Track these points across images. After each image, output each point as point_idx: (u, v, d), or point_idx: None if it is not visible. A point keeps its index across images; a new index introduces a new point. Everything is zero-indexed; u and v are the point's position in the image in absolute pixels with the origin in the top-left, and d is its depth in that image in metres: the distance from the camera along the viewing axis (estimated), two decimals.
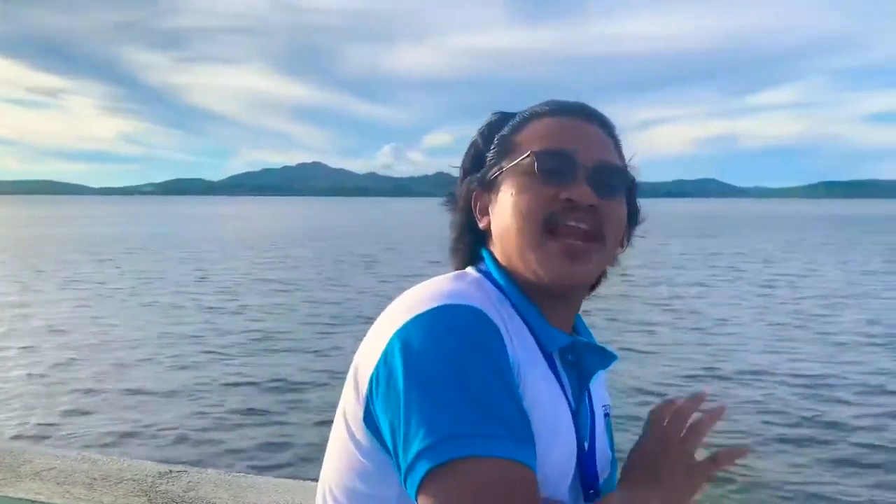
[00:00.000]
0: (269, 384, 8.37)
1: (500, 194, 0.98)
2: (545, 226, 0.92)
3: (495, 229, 0.99)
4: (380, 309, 0.95)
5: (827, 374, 8.98)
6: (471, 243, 1.05)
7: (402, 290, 0.95)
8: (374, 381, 0.85)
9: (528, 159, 0.95)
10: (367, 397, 0.86)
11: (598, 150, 0.97)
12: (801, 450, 6.38)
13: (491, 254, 1.01)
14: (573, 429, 0.93)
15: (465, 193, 1.04)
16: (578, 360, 0.99)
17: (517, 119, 1.03)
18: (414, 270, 20.65)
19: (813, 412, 7.46)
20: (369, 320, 0.95)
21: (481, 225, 1.02)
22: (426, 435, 0.76)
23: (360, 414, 0.88)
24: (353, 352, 0.94)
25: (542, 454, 0.83)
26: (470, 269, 1.01)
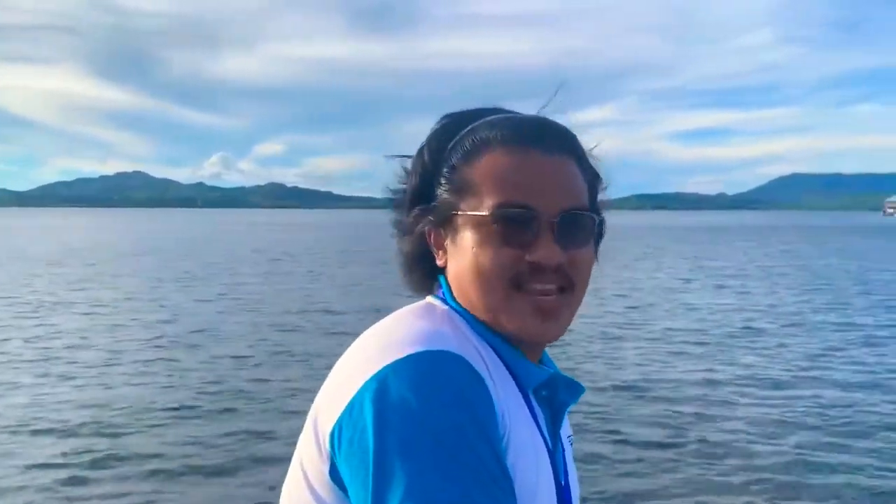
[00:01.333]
0: (58, 417, 7.32)
1: (459, 241, 0.92)
2: (511, 284, 0.87)
3: (454, 275, 0.93)
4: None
5: (644, 377, 9.37)
6: (426, 269, 0.99)
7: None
8: (337, 435, 0.78)
9: (487, 216, 0.88)
10: (330, 454, 0.80)
11: (563, 195, 0.89)
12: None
13: (447, 283, 0.95)
14: (551, 470, 0.89)
15: (417, 225, 0.96)
16: (551, 396, 0.95)
17: (467, 146, 0.93)
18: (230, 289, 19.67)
19: (633, 414, 7.69)
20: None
21: (439, 262, 0.96)
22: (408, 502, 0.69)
23: (325, 469, 0.81)
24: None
25: (525, 501, 0.79)
26: (432, 300, 0.95)
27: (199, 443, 6.74)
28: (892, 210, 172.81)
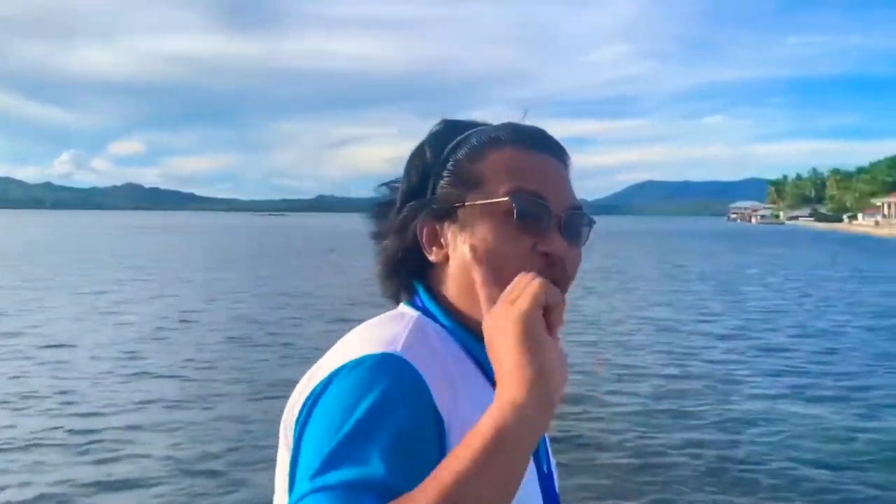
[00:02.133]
0: None
1: (465, 233, 0.91)
2: (519, 272, 0.84)
3: (456, 268, 0.92)
4: None
5: None
6: (408, 272, 0.97)
7: None
8: (293, 427, 0.81)
9: (505, 202, 0.89)
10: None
11: (567, 194, 0.94)
12: None
13: (426, 288, 0.96)
14: (532, 459, 0.86)
15: (413, 219, 0.95)
16: None
17: (474, 142, 0.95)
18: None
19: None
20: None
21: (432, 258, 0.94)
22: (301, 482, 0.71)
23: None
24: None
25: None
26: (404, 307, 0.96)
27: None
28: (735, 216, 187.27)
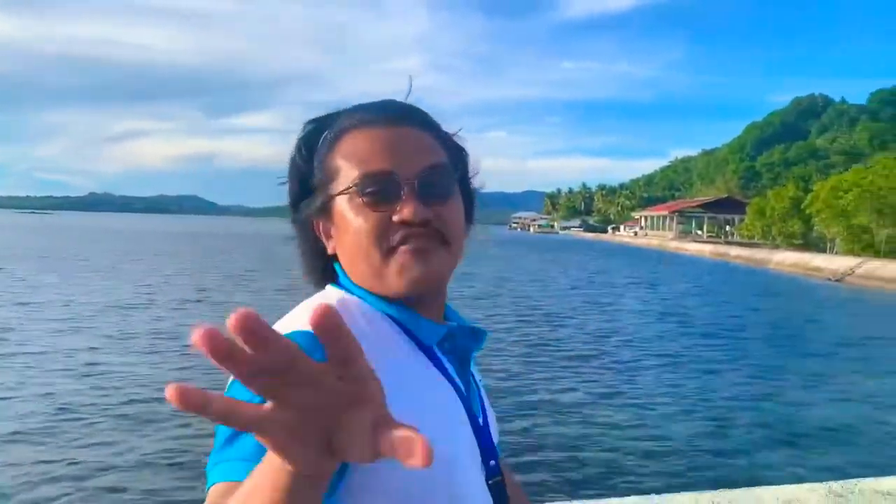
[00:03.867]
0: None
1: (337, 222, 1.00)
2: (386, 244, 0.94)
3: (342, 256, 1.01)
4: None
5: None
6: (324, 263, 1.06)
7: None
8: None
9: (354, 188, 0.95)
10: None
11: (418, 156, 0.97)
12: None
13: (343, 269, 1.03)
14: (463, 412, 0.97)
15: (305, 220, 1.04)
16: (455, 347, 1.03)
17: (329, 135, 1.02)
18: None
19: None
20: None
21: (329, 250, 1.04)
22: (214, 451, 0.81)
23: None
24: None
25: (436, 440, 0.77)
26: (329, 287, 1.04)
27: None
28: (515, 225, 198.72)
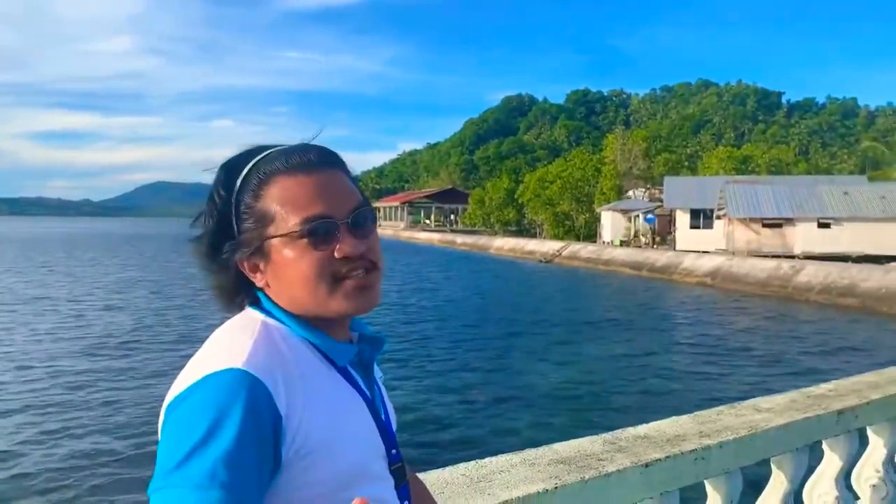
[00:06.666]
0: None
1: (276, 260, 1.07)
2: (331, 279, 1.06)
3: (281, 289, 1.09)
4: None
5: None
6: (246, 293, 1.12)
7: None
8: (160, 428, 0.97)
9: (296, 232, 1.05)
10: None
11: (346, 198, 1.09)
12: None
13: (267, 295, 1.11)
14: (371, 418, 1.11)
15: (231, 258, 1.09)
16: (362, 359, 1.16)
17: (254, 182, 1.08)
18: None
19: None
20: None
21: (259, 284, 1.10)
22: (156, 477, 0.89)
23: None
24: None
25: (346, 451, 1.03)
26: (250, 310, 1.11)
27: None
28: None
